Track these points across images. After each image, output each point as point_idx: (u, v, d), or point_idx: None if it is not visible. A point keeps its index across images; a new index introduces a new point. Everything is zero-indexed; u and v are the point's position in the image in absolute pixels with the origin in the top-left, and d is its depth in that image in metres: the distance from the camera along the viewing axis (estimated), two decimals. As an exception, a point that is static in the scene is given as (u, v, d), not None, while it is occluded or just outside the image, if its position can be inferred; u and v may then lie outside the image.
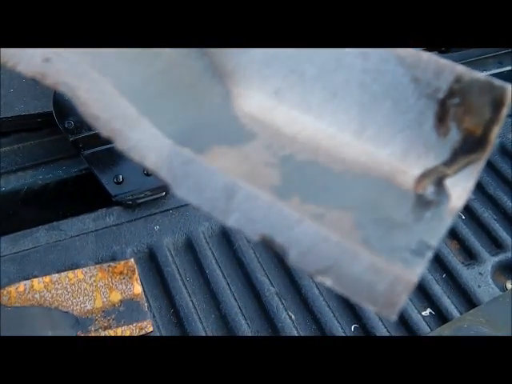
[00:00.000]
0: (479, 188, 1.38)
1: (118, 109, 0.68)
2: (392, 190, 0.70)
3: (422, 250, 0.63)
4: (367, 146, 0.74)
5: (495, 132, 0.67)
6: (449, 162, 0.69)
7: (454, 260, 1.24)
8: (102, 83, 0.70)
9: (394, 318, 0.60)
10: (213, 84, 0.79)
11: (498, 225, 1.31)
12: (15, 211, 1.23)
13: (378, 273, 0.60)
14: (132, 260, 1.14)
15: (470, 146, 0.68)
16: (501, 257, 1.27)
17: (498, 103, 0.67)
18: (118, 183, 1.19)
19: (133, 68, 0.76)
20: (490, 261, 1.26)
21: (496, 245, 1.29)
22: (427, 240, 0.64)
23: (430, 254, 0.62)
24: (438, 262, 1.24)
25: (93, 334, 1.04)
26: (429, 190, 0.68)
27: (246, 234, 0.64)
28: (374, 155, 0.73)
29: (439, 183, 0.68)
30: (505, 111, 0.67)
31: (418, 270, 0.61)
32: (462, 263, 1.25)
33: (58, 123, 1.19)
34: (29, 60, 0.70)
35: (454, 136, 0.70)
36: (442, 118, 0.70)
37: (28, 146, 1.27)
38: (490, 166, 1.42)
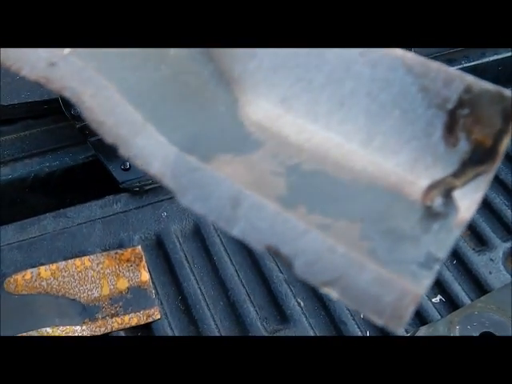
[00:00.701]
0: (490, 173, 1.37)
1: (123, 115, 0.68)
2: (399, 201, 0.69)
3: (430, 262, 0.62)
4: (375, 156, 0.73)
5: (505, 143, 0.67)
6: (457, 174, 0.69)
7: (465, 246, 1.24)
8: (108, 89, 0.69)
9: (400, 330, 0.59)
10: (219, 91, 0.78)
11: (509, 211, 1.30)
12: (22, 199, 1.23)
13: (385, 285, 0.60)
14: (139, 247, 1.14)
15: (479, 157, 0.68)
16: (512, 243, 1.26)
17: (508, 114, 0.66)
18: (126, 170, 1.19)
19: (138, 73, 0.76)
20: (502, 247, 1.25)
21: (507, 231, 1.28)
22: (435, 252, 0.63)
23: (437, 267, 0.62)
24: (449, 248, 1.23)
25: (100, 322, 1.05)
26: (437, 202, 0.68)
27: (252, 244, 0.64)
28: (382, 165, 0.72)
29: (447, 195, 0.68)
30: None
31: (425, 282, 0.61)
32: (473, 249, 1.24)
33: (65, 110, 1.19)
34: (33, 64, 0.70)
35: (463, 147, 0.69)
36: (450, 129, 0.69)
37: (34, 133, 1.27)
38: (501, 151, 1.40)
